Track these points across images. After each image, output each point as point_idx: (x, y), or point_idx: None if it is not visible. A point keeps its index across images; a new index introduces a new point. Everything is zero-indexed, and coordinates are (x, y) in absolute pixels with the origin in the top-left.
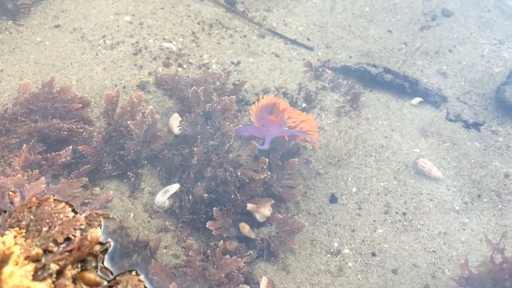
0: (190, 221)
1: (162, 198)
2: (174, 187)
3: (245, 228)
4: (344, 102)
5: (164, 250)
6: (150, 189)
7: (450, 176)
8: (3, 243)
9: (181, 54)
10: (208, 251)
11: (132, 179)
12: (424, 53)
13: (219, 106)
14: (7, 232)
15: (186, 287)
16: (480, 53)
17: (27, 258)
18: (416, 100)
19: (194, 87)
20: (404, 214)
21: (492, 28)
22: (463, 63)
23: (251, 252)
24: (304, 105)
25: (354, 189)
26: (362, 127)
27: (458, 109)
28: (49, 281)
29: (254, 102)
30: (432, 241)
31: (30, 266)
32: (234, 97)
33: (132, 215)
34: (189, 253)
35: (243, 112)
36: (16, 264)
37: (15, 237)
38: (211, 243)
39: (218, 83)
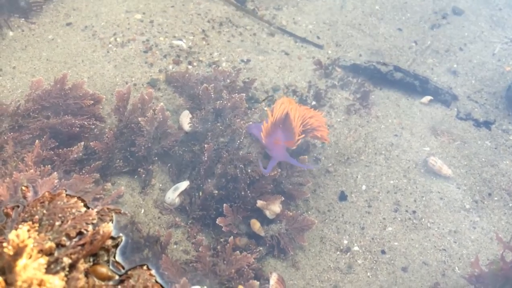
0: (200, 217)
1: (172, 195)
2: (184, 185)
3: (255, 225)
4: (353, 100)
5: (175, 246)
6: (160, 185)
7: (461, 174)
8: (17, 236)
9: (191, 52)
10: (218, 247)
11: (143, 175)
12: (435, 52)
13: (229, 104)
14: (20, 226)
15: (197, 282)
16: (491, 51)
17: (40, 251)
18: (426, 98)
19: (204, 84)
20: (414, 212)
21: (503, 27)
22: (474, 61)
23: (260, 248)
24: (313, 103)
25: (363, 187)
26: (372, 125)
27: (468, 107)
28: (62, 274)
29: (264, 100)
30: (442, 240)
31: (44, 259)
32: (244, 94)
33: (142, 211)
34: (199, 249)
35: (252, 109)
36: (30, 257)
37: (28, 231)
38: (221, 239)
39: (228, 81)
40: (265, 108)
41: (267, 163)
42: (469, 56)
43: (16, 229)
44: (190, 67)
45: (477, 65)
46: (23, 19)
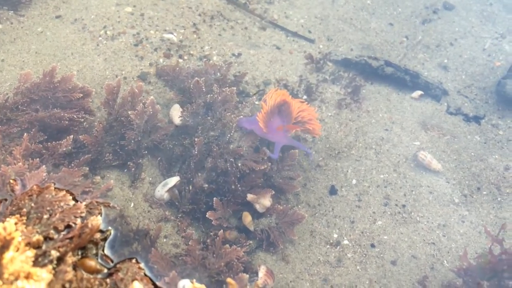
0: (190, 211)
1: (162, 190)
2: (174, 180)
3: (247, 217)
4: (345, 95)
5: (164, 240)
6: (150, 179)
7: (450, 169)
8: (4, 228)
9: (182, 46)
10: (208, 241)
11: (133, 169)
12: (425, 47)
13: (220, 97)
14: (7, 219)
15: (186, 275)
16: (481, 46)
17: (28, 244)
18: (417, 93)
19: (196, 78)
20: (404, 206)
21: (493, 22)
22: (464, 56)
23: (250, 242)
24: (305, 97)
25: (354, 181)
26: (363, 120)
27: (458, 102)
28: (50, 267)
29: (255, 94)
30: (431, 233)
31: (31, 252)
32: (235, 88)
33: (132, 204)
34: (189, 243)
35: (243, 103)
36: (17, 250)
37: (16, 223)
38: (211, 233)
39: (219, 74)
40: (257, 102)
41: (264, 153)
42: (459, 51)
43: (3, 222)
44: (180, 60)
45: (468, 60)
46: (12, 11)
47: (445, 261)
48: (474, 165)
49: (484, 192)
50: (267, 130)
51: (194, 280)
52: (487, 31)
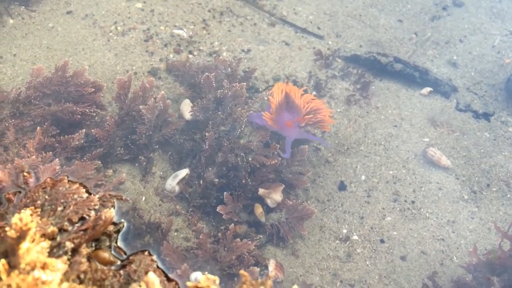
0: (201, 205)
1: (172, 182)
2: (183, 172)
3: (258, 209)
4: (354, 91)
5: (175, 233)
6: (161, 173)
7: (460, 165)
8: (20, 219)
9: (192, 41)
10: (219, 234)
11: (144, 163)
12: (435, 43)
13: (230, 93)
14: (22, 210)
15: (198, 268)
16: (491, 43)
17: (43, 235)
18: (426, 90)
19: (206, 73)
20: (413, 202)
21: (503, 19)
22: (473, 53)
23: (260, 236)
24: (314, 93)
25: (363, 177)
26: (372, 116)
27: (468, 99)
28: (65, 258)
29: (265, 89)
30: (441, 229)
31: (46, 243)
32: (245, 84)
33: (143, 198)
34: (200, 236)
35: (253, 99)
36: (33, 241)
37: (30, 215)
38: (222, 227)
39: (229, 70)
40: (266, 98)
41: (274, 148)
42: (469, 48)
43: (19, 213)
44: (190, 56)
45: (477, 57)
46: (23, 6)
47: (454, 257)
48: (484, 162)
49: (494, 189)
50: (278, 126)
51: (206, 273)
52: (496, 28)
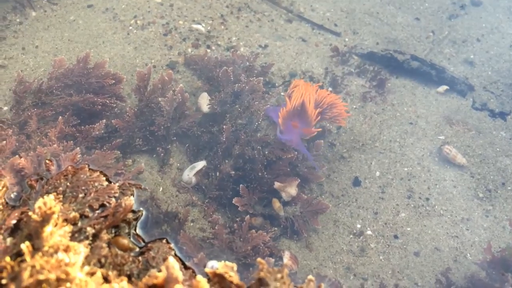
0: (217, 197)
1: (190, 173)
2: (201, 164)
3: (276, 203)
4: (370, 88)
5: (191, 224)
6: (178, 165)
7: (475, 163)
8: (44, 204)
9: (210, 36)
10: (235, 225)
11: (162, 154)
12: (452, 42)
13: (247, 87)
14: (45, 196)
15: (214, 257)
16: (508, 43)
17: (65, 220)
18: (443, 88)
19: (224, 67)
20: (427, 199)
21: None
22: (490, 52)
23: (275, 229)
24: (330, 89)
25: (377, 173)
26: (387, 113)
27: (484, 98)
28: (86, 242)
29: (281, 85)
30: (455, 227)
31: (69, 228)
32: (262, 78)
33: (161, 189)
34: (216, 227)
35: (269, 94)
36: (56, 225)
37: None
38: (237, 219)
39: (247, 63)
40: (282, 93)
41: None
42: (486, 47)
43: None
44: (208, 50)
45: (494, 56)
46: (45, 0)
47: (468, 254)
48: (499, 161)
49: (509, 187)
50: (283, 127)
51: (222, 261)
52: None
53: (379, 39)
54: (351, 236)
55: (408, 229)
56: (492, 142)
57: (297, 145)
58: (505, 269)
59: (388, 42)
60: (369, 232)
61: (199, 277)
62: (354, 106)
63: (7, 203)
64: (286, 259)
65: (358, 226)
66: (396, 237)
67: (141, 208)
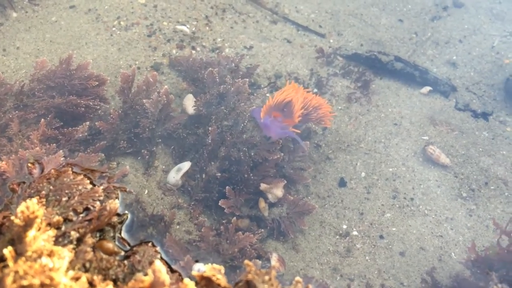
0: (203, 199)
1: (176, 176)
2: (186, 165)
3: (261, 203)
4: (354, 89)
5: (177, 226)
6: (163, 167)
7: (458, 163)
8: (27, 207)
9: (195, 37)
10: (221, 228)
11: (147, 156)
12: (435, 43)
13: (233, 88)
14: (28, 200)
15: (200, 260)
16: (490, 44)
17: (48, 225)
18: (426, 89)
19: (210, 68)
20: (412, 199)
21: (502, 20)
22: (473, 53)
23: (262, 230)
24: (315, 90)
25: (363, 174)
26: (372, 114)
27: (467, 98)
28: (70, 247)
29: (266, 86)
30: (439, 226)
31: (52, 232)
32: (247, 80)
33: (146, 191)
34: (202, 229)
35: (255, 95)
36: (39, 229)
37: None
38: (223, 221)
39: (233, 65)
40: (268, 94)
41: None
42: (468, 48)
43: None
44: (193, 52)
45: (476, 57)
46: (26, 0)
47: (452, 254)
48: (482, 160)
49: (492, 187)
50: (263, 121)
51: (209, 264)
52: (496, 29)
53: (363, 40)
54: (337, 237)
55: (394, 229)
56: (475, 142)
57: (284, 135)
58: (489, 267)
59: (372, 43)
60: (355, 233)
61: (187, 280)
62: (339, 107)
63: None
64: (274, 261)
65: (344, 226)
66: (381, 237)
67: (126, 211)
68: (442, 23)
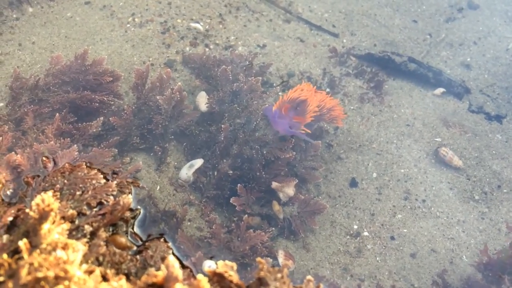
0: (214, 196)
1: (188, 172)
2: (199, 162)
3: (276, 206)
4: (367, 89)
5: (188, 223)
6: (175, 163)
7: (471, 166)
8: (42, 200)
9: (208, 35)
10: (233, 225)
11: (159, 153)
12: (449, 45)
13: (245, 86)
14: (43, 193)
15: (212, 257)
16: (505, 46)
17: (62, 218)
18: (439, 90)
19: (223, 66)
20: (424, 201)
21: None
22: (487, 56)
23: (273, 229)
24: (328, 90)
25: (374, 175)
26: (385, 114)
27: (480, 101)
28: (84, 240)
29: (279, 85)
30: (451, 229)
31: (66, 225)
32: (260, 78)
33: (158, 187)
34: (213, 226)
35: (267, 93)
36: (53, 223)
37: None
38: (234, 218)
39: (246, 63)
40: (280, 93)
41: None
42: (482, 50)
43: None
44: (206, 49)
45: (491, 59)
46: None
47: (464, 256)
48: (495, 163)
49: (505, 190)
50: (273, 114)
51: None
52: (510, 31)
53: (377, 40)
54: (348, 237)
55: (405, 230)
56: (488, 144)
57: (291, 133)
58: (501, 271)
59: (386, 44)
60: (365, 233)
61: (200, 276)
62: (352, 107)
63: (3, 200)
64: (281, 258)
65: (355, 227)
66: (392, 238)
67: (139, 207)
68: (456, 24)
